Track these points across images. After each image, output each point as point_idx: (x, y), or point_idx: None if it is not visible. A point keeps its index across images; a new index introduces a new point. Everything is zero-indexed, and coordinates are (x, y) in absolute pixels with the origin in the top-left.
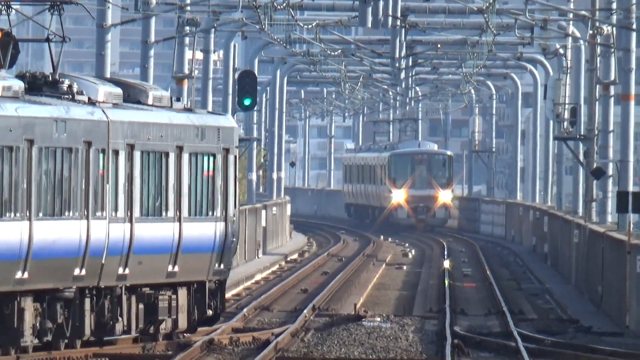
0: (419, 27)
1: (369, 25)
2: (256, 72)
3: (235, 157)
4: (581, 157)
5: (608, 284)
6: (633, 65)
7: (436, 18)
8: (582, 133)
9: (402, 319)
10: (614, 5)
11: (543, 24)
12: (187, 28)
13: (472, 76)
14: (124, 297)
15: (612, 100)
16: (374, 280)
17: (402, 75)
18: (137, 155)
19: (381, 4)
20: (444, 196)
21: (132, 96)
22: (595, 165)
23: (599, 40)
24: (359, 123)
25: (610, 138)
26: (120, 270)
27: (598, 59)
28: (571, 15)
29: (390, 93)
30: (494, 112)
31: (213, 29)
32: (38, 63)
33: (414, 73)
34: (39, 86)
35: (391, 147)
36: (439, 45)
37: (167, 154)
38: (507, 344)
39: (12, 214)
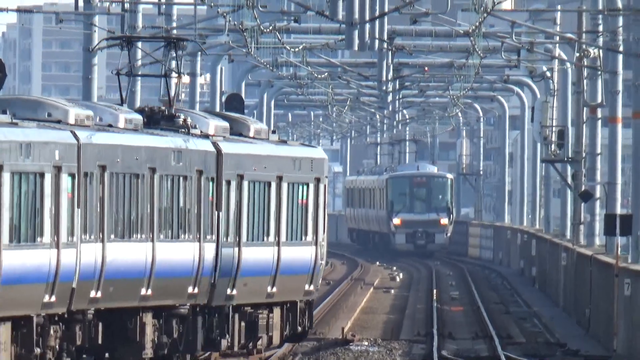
0: (406, 50)
1: (356, 48)
2: (243, 95)
3: (325, 186)
4: (569, 180)
5: (596, 307)
6: (620, 87)
7: (423, 41)
8: (569, 155)
9: (389, 343)
10: (601, 28)
11: (530, 47)
12: (174, 51)
13: (459, 99)
14: (230, 316)
15: (599, 122)
16: (362, 304)
17: (389, 98)
18: (245, 184)
19: (367, 27)
20: (445, 221)
21: (235, 129)
22: (583, 187)
23: (585, 63)
24: (346, 146)
25: (597, 160)
26: (229, 291)
27: (585, 81)
28: (558, 38)
29: (378, 116)
30: (481, 134)
31: (200, 53)
32: (25, 87)
33: (401, 96)
34: (156, 119)
35: (391, 169)
36: (425, 68)
37: (269, 184)
38: None
39: (138, 236)
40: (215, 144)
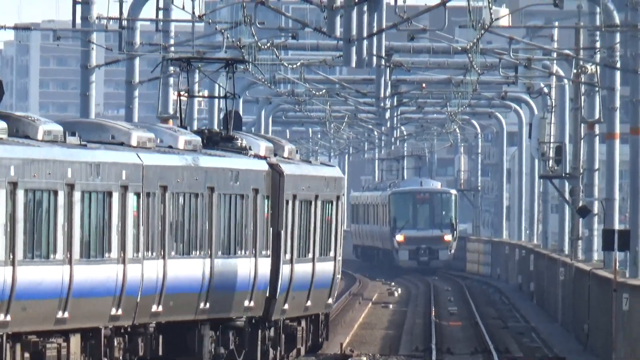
0: (404, 66)
1: (353, 64)
2: (241, 112)
3: (343, 203)
4: (567, 196)
5: (594, 322)
6: (617, 104)
7: (420, 57)
8: (567, 171)
9: (388, 358)
10: (598, 44)
11: (527, 63)
12: (172, 68)
13: (457, 115)
14: (282, 328)
15: (597, 138)
16: (360, 319)
17: (387, 114)
18: (297, 204)
19: (365, 43)
20: (449, 238)
21: (275, 149)
22: (581, 203)
23: (583, 79)
24: (344, 162)
25: (595, 176)
26: (283, 305)
27: (582, 97)
28: (555, 54)
29: (376, 132)
30: (479, 150)
31: (197, 69)
32: (22, 104)
33: (399, 112)
34: (215, 141)
35: (394, 185)
36: (423, 85)
37: (310, 202)
38: None
39: (197, 252)
40: (274, 165)
